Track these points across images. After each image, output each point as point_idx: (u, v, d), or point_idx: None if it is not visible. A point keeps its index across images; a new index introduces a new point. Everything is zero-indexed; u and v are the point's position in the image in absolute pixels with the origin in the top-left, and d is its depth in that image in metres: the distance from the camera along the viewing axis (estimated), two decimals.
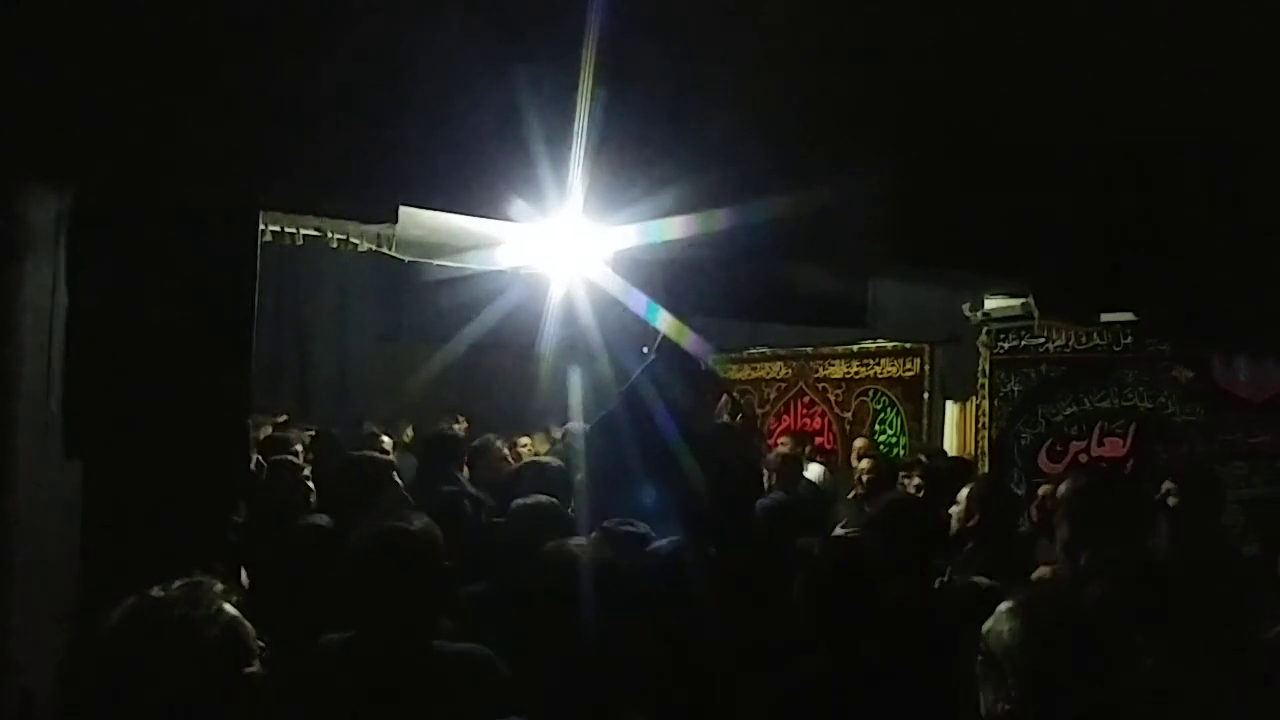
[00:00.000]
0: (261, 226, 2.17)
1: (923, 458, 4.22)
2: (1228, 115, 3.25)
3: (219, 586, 1.17)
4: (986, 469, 4.30)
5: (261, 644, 1.16)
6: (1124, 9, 3.12)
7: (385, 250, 2.40)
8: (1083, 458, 4.04)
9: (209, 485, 1.90)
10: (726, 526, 2.77)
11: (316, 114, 2.25)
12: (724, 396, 4.44)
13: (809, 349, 5.94)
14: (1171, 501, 3.28)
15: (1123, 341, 3.94)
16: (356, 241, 2.31)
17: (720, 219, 3.24)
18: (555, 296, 4.71)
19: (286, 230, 2.25)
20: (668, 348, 3.29)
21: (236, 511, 1.98)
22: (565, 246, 3.74)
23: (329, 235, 2.28)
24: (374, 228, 2.36)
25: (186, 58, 1.98)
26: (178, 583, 1.15)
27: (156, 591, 1.15)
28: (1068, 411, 4.10)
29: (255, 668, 1.15)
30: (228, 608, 1.15)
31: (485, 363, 6.67)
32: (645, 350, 6.03)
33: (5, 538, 1.69)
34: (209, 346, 1.94)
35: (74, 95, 1.89)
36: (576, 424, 5.00)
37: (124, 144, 1.86)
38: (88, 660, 1.14)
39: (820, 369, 5.89)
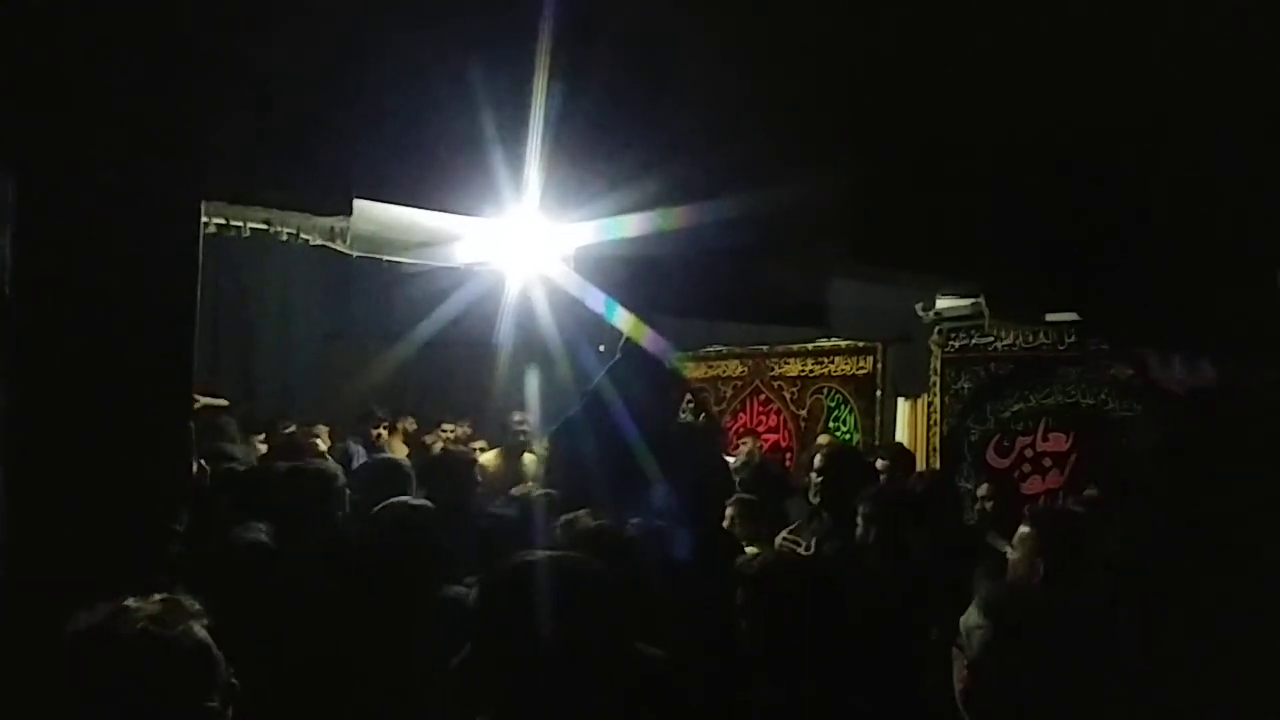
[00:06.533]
0: (206, 219, 2.08)
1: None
2: (1170, 122, 3.38)
3: (196, 608, 1.09)
4: (938, 465, 4.40)
5: (233, 681, 1.08)
6: (1073, 17, 3.22)
7: (338, 245, 2.31)
8: (1028, 453, 4.18)
9: (147, 491, 1.80)
10: (693, 527, 2.77)
11: (267, 101, 2.16)
12: (687, 395, 4.44)
13: (764, 347, 5.99)
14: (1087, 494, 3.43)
15: (1066, 341, 4.08)
16: (308, 237, 2.22)
17: (677, 217, 3.24)
18: (512, 293, 4.65)
19: (233, 222, 2.15)
20: (631, 349, 3.26)
21: (178, 520, 1.88)
22: (522, 243, 3.68)
23: (278, 228, 2.19)
24: (326, 220, 2.27)
25: (132, 43, 1.88)
26: (157, 597, 1.08)
27: (131, 602, 1.07)
28: (1015, 408, 4.23)
29: (216, 703, 1.07)
30: (198, 632, 1.07)
31: (438, 361, 6.54)
32: (601, 348, 6.00)
33: None
34: (147, 344, 1.84)
35: (11, 81, 1.78)
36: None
37: (59, 130, 1.76)
38: (41, 662, 1.06)
39: (775, 367, 5.96)
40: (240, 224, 2.15)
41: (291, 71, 2.28)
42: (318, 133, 2.24)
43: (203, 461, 2.22)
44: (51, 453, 1.75)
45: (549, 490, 2.83)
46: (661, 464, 2.99)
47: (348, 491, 2.40)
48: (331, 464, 2.35)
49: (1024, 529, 2.18)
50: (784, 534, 3.40)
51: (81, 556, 1.65)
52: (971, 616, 1.33)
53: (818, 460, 3.42)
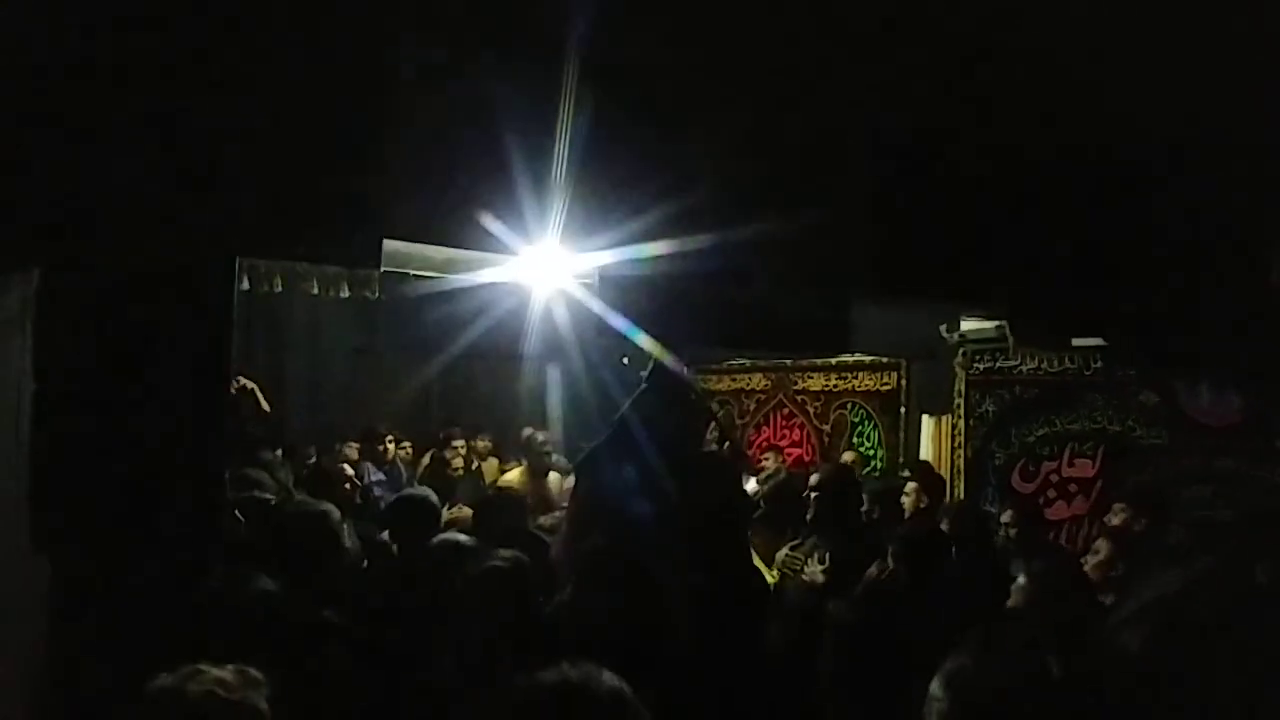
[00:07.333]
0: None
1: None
2: (1196, 148, 3.33)
3: (260, 679, 1.19)
4: (962, 487, 4.38)
5: None
6: (1098, 41, 3.18)
7: (367, 294, 2.38)
8: (1053, 478, 4.15)
9: (181, 544, 1.86)
10: (719, 559, 2.80)
11: (293, 158, 2.22)
12: (711, 423, 4.45)
13: (788, 361, 5.99)
14: (1117, 520, 3.40)
15: (1093, 366, 4.04)
16: (335, 291, 2.29)
17: (697, 244, 3.27)
18: (536, 309, 4.71)
19: (265, 276, 2.22)
20: (656, 378, 3.27)
21: (210, 572, 1.93)
22: (547, 266, 3.73)
23: (311, 283, 2.25)
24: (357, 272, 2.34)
25: (155, 117, 1.94)
26: (230, 666, 1.20)
27: (204, 665, 1.20)
28: (1040, 432, 4.20)
29: None
30: (260, 703, 1.18)
31: (466, 374, 6.62)
32: (624, 360, 6.02)
33: None
34: (181, 403, 1.90)
35: (50, 141, 1.84)
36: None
37: (91, 206, 1.82)
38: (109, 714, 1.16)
39: (799, 381, 5.95)
40: (272, 281, 2.20)
41: (318, 124, 2.34)
42: (346, 187, 2.30)
43: (237, 512, 2.28)
44: (87, 506, 1.82)
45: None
46: (686, 498, 3.01)
47: (347, 528, 2.41)
48: (330, 507, 2.34)
49: (1022, 579, 2.16)
50: (786, 550, 3.44)
51: (121, 609, 1.72)
52: (934, 686, 1.32)
53: (814, 479, 3.48)
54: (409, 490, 3.32)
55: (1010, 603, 2.18)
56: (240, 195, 2.11)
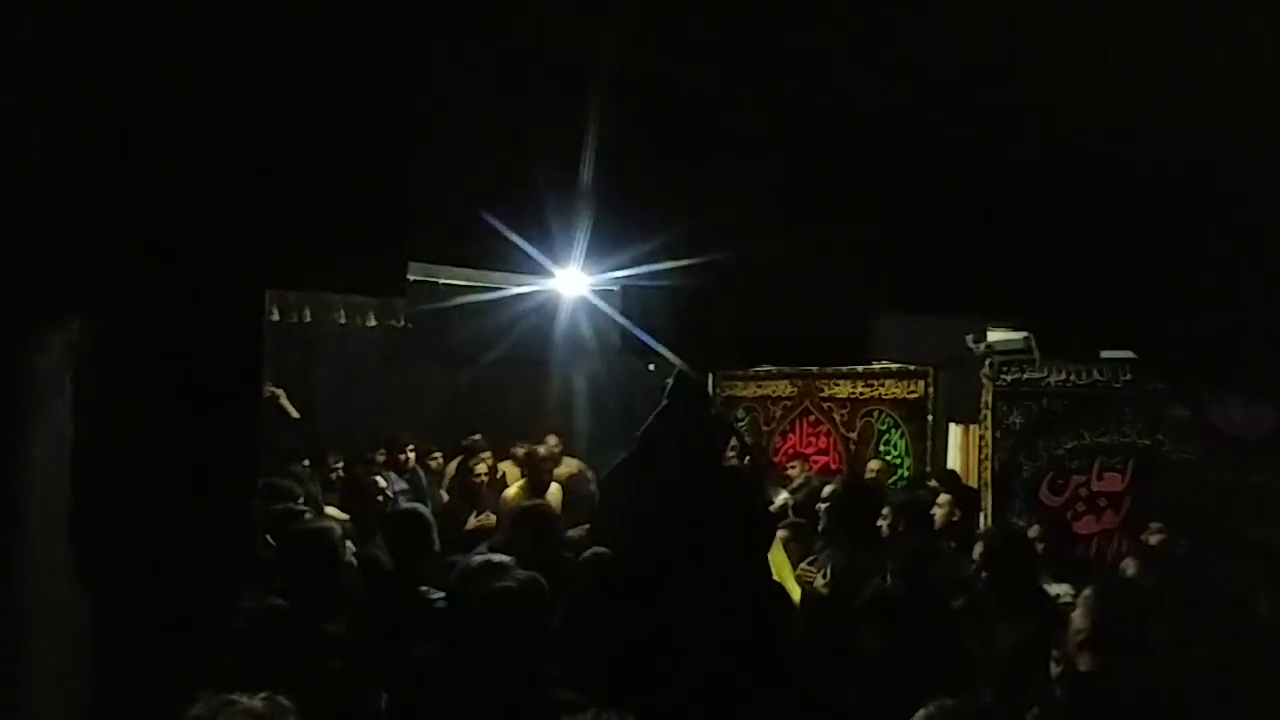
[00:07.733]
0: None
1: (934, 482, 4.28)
2: (1225, 159, 3.26)
3: (290, 706, 1.26)
4: (989, 499, 4.35)
5: None
6: (1112, 48, 3.12)
7: (393, 322, 2.45)
8: (1082, 491, 4.10)
9: (211, 570, 1.94)
10: (739, 574, 2.83)
11: (318, 190, 2.28)
12: (732, 439, 4.46)
13: (814, 368, 5.97)
14: (1154, 540, 3.35)
15: (1122, 379, 3.98)
16: (362, 320, 2.36)
17: (717, 262, 3.29)
18: (562, 318, 4.78)
19: (294, 307, 2.30)
20: (678, 394, 3.31)
21: (240, 596, 2.01)
22: (570, 279, 3.78)
23: (339, 312, 2.33)
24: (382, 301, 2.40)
25: (189, 160, 2.01)
26: (261, 694, 1.28)
27: (238, 694, 1.27)
28: (1068, 445, 4.15)
29: None
30: None
31: (494, 382, 6.70)
32: (651, 367, 6.04)
33: (14, 666, 1.74)
34: (212, 432, 1.97)
35: (73, 209, 1.92)
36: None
37: (123, 248, 1.88)
38: None
39: (826, 388, 5.93)
40: (300, 311, 2.28)
41: (343, 155, 2.41)
42: (370, 217, 2.37)
43: (268, 537, 2.36)
44: (119, 532, 1.89)
45: (599, 550, 2.89)
46: (706, 513, 3.04)
47: (350, 545, 2.48)
48: (330, 525, 2.40)
49: (1087, 593, 2.12)
50: (803, 564, 3.45)
51: (160, 672, 1.78)
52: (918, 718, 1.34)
53: (825, 491, 3.47)
54: (400, 506, 3.38)
55: (1075, 614, 2.11)
56: (267, 227, 2.18)
